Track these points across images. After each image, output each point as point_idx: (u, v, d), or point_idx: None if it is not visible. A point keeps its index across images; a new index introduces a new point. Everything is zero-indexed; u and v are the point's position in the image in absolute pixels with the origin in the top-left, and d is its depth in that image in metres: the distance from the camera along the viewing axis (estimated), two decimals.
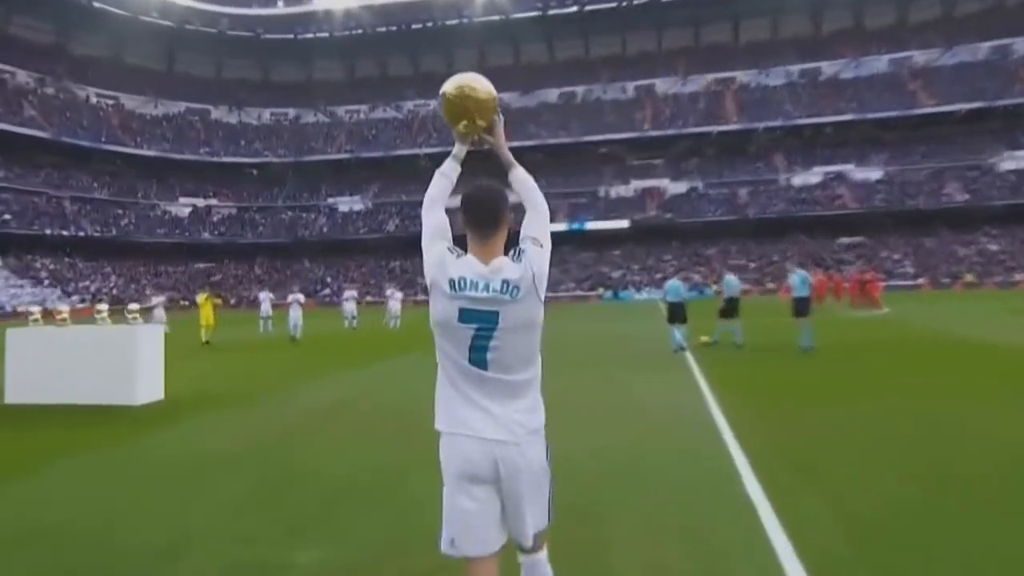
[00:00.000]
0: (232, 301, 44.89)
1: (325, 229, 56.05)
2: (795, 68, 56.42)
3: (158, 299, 19.47)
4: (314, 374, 9.94)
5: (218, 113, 61.53)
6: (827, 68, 55.66)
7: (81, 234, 46.90)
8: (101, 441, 5.76)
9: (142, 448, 5.50)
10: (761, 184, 51.97)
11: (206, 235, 55.03)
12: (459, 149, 1.93)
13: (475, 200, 1.82)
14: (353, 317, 19.57)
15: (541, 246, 1.83)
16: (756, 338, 12.47)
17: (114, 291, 43.83)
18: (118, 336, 8.25)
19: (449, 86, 1.84)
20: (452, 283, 1.73)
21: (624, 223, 51.70)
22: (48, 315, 8.56)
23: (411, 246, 56.68)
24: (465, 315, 1.71)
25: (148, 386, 8.14)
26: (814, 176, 51.51)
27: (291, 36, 61.79)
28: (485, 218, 1.80)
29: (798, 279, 10.99)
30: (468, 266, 1.76)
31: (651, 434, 5.54)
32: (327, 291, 48.98)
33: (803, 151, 52.91)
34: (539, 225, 1.89)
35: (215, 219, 57.00)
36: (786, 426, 5.73)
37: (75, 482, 4.53)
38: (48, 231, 45.02)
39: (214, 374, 10.45)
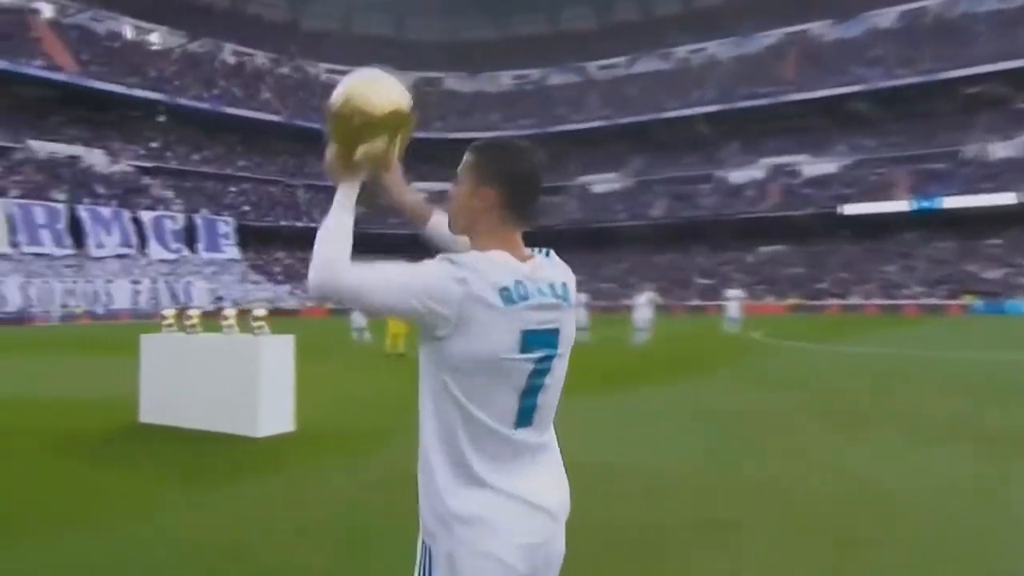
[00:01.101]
0: None
1: (575, 215, 56.78)
2: None
3: None
4: None
5: (451, 81, 66.39)
6: None
7: (313, 225, 53.99)
8: (179, 489, 5.57)
9: (203, 506, 5.16)
10: None
11: None
12: (347, 192, 1.65)
13: (529, 172, 1.63)
14: (583, 328, 18.52)
15: None
16: None
17: None
18: (239, 349, 7.93)
19: (336, 93, 1.65)
20: (505, 292, 1.50)
21: (1008, 197, 42.67)
22: (180, 318, 8.55)
23: (683, 234, 55.46)
24: (530, 340, 1.54)
25: (274, 414, 7.75)
26: None
27: None
28: (536, 198, 1.65)
29: None
30: (507, 265, 1.54)
31: None
32: (585, 294, 49.23)
33: None
34: None
35: None
36: None
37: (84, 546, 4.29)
38: (283, 222, 52.79)
39: (385, 398, 10.06)
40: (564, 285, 1.63)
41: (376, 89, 1.63)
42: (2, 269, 37.72)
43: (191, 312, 8.59)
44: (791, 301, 43.57)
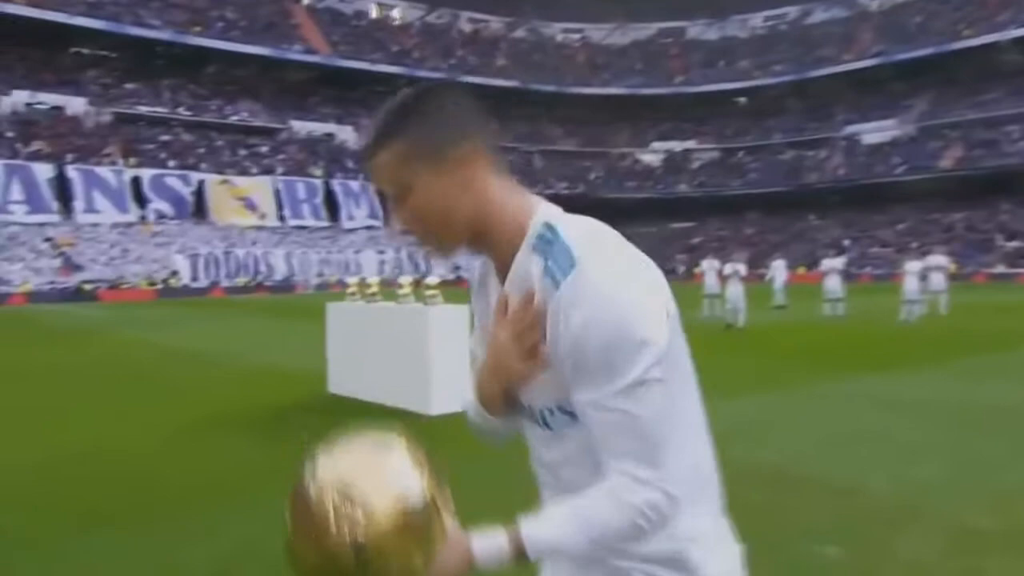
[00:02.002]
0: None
1: (841, 171, 52.52)
2: None
3: None
4: (728, 386, 7.87)
5: (695, 30, 63.35)
6: None
7: (549, 191, 54.91)
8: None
9: None
10: None
11: (683, 187, 57.81)
12: (488, 553, 1.12)
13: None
14: (837, 299, 16.60)
15: None
16: None
17: None
18: (409, 319, 7.77)
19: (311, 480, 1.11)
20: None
21: None
22: (362, 287, 8.56)
23: (982, 188, 47.57)
24: None
25: (448, 390, 7.51)
26: None
27: None
28: None
29: None
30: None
31: None
32: (842, 258, 44.83)
33: None
34: None
35: (694, 166, 59.30)
36: None
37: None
38: None
39: None
40: None
41: (370, 489, 1.06)
42: (271, 241, 42.91)
43: (371, 280, 8.57)
44: None
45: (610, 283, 1.05)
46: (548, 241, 1.11)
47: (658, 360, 1.06)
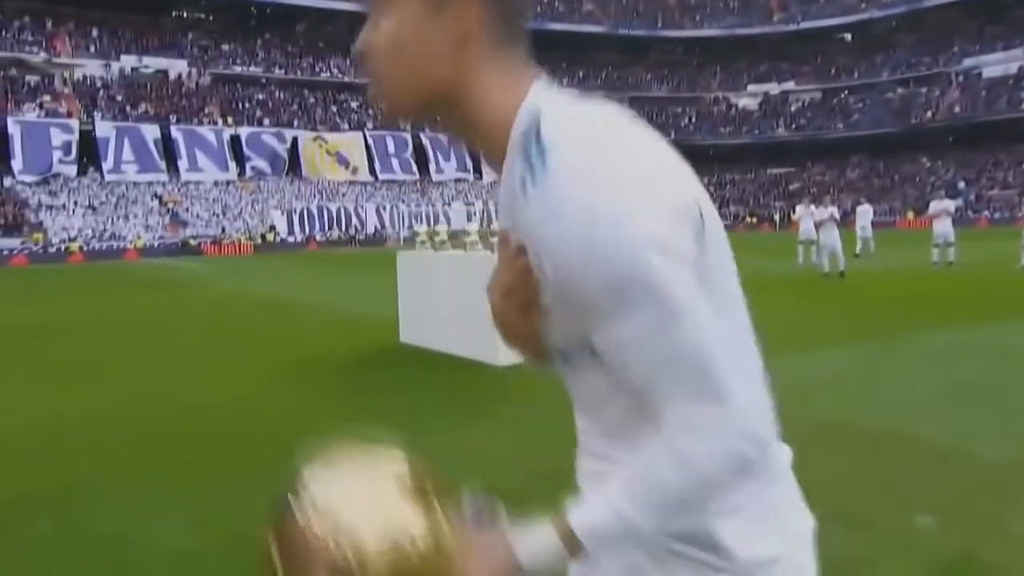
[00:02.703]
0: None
1: (956, 108, 49.23)
2: None
3: None
4: (819, 337, 7.44)
5: None
6: None
7: None
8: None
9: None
10: None
11: (781, 131, 55.44)
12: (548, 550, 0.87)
13: None
14: (948, 243, 15.47)
15: None
16: None
17: None
18: (477, 267, 7.43)
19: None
20: None
21: None
22: (432, 236, 8.36)
23: None
24: None
25: None
26: None
27: None
28: None
29: None
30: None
31: None
32: (957, 201, 41.93)
33: None
34: None
35: (792, 109, 56.80)
36: None
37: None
38: None
39: None
40: None
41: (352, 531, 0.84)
42: (363, 195, 43.68)
43: (439, 228, 8.36)
44: None
45: (586, 183, 0.77)
46: (528, 137, 0.83)
47: (682, 261, 0.79)
